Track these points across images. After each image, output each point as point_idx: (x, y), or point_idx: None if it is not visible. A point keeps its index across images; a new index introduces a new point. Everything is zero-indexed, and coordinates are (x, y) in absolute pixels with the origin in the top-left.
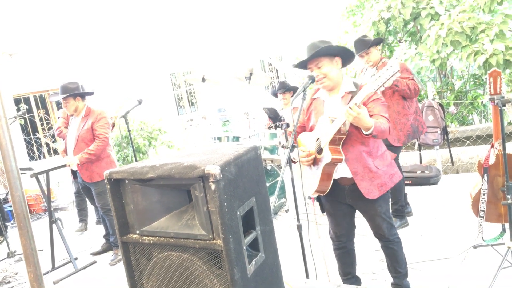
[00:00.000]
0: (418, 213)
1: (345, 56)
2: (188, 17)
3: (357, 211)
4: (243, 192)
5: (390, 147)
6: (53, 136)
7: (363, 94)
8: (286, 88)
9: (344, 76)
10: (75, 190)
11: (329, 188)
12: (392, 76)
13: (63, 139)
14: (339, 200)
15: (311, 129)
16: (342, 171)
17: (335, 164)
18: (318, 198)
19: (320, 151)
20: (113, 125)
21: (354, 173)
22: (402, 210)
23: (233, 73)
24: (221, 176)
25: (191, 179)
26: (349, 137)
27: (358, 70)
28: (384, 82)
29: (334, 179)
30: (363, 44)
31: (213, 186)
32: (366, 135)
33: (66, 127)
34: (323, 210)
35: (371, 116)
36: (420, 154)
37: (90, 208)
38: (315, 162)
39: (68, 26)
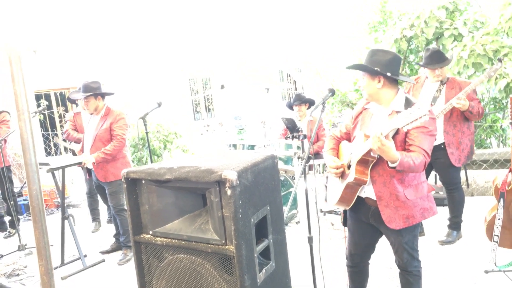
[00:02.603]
0: (430, 234)
1: None
2: (210, 25)
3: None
4: (258, 199)
5: (450, 167)
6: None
7: (390, 126)
8: (302, 100)
9: (400, 90)
10: (87, 191)
11: (352, 203)
12: (420, 118)
13: (72, 142)
14: (363, 219)
15: (354, 139)
16: (368, 192)
17: (358, 184)
18: (344, 210)
19: (349, 166)
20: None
21: (378, 197)
22: (459, 223)
23: (252, 82)
24: (238, 182)
25: (208, 183)
26: (382, 160)
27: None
28: (412, 121)
29: (361, 197)
30: (442, 58)
31: (229, 192)
32: (390, 167)
33: (74, 129)
34: (345, 223)
35: (409, 145)
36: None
37: (102, 207)
38: (343, 175)
39: (92, 27)
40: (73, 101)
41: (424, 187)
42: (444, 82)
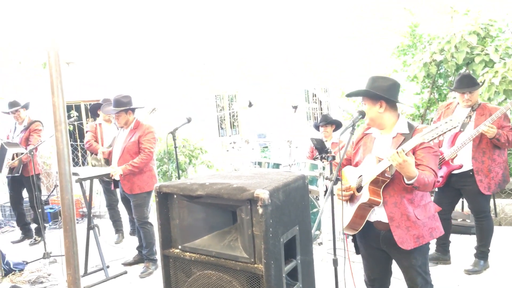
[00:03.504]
0: (456, 263)
1: None
2: (237, 42)
3: None
4: (288, 219)
5: (479, 195)
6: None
7: (414, 142)
8: (327, 121)
9: (400, 115)
10: (106, 203)
11: (361, 227)
12: (450, 130)
13: (93, 153)
14: (373, 245)
15: (356, 165)
16: (378, 215)
17: (371, 205)
18: (354, 239)
19: (359, 188)
20: None
21: (390, 218)
22: (487, 253)
23: (279, 101)
24: (270, 201)
25: (239, 201)
26: (393, 181)
27: (443, 105)
28: (440, 135)
29: (370, 222)
30: (472, 83)
31: (260, 210)
32: (407, 184)
33: (96, 141)
34: (358, 251)
35: (417, 165)
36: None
37: (125, 219)
38: (352, 198)
39: (123, 42)
40: (95, 114)
41: (431, 207)
42: (474, 108)
